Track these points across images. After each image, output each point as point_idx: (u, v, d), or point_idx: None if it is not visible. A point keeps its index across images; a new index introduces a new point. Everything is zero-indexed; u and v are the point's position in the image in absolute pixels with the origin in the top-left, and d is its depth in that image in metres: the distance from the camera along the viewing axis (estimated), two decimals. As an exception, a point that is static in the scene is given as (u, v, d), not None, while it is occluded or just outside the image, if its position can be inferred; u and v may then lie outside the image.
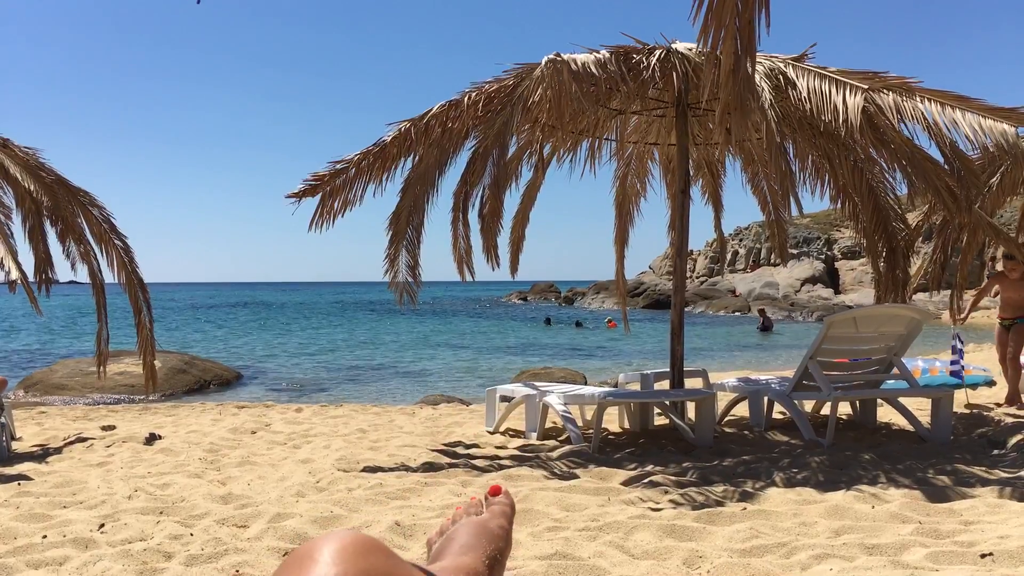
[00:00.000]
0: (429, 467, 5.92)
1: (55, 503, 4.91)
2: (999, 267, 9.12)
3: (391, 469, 5.87)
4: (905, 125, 6.40)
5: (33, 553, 3.83)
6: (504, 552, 1.00)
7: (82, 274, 8.11)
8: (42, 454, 6.82)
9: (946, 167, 6.58)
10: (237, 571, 3.51)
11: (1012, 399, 8.56)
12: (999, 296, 8.89)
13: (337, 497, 4.89)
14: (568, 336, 31.06)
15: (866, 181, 7.39)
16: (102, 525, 4.31)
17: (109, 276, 8.19)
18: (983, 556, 3.54)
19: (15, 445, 7.23)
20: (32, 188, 7.60)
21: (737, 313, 45.53)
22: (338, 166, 6.97)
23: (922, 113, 6.03)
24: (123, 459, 6.49)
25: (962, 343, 8.62)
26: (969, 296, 9.80)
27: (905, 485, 5.07)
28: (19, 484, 5.52)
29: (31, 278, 7.77)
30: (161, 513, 4.58)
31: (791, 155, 7.77)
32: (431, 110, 6.81)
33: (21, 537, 4.12)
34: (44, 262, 7.82)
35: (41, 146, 8.00)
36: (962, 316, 9.17)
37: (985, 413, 8.08)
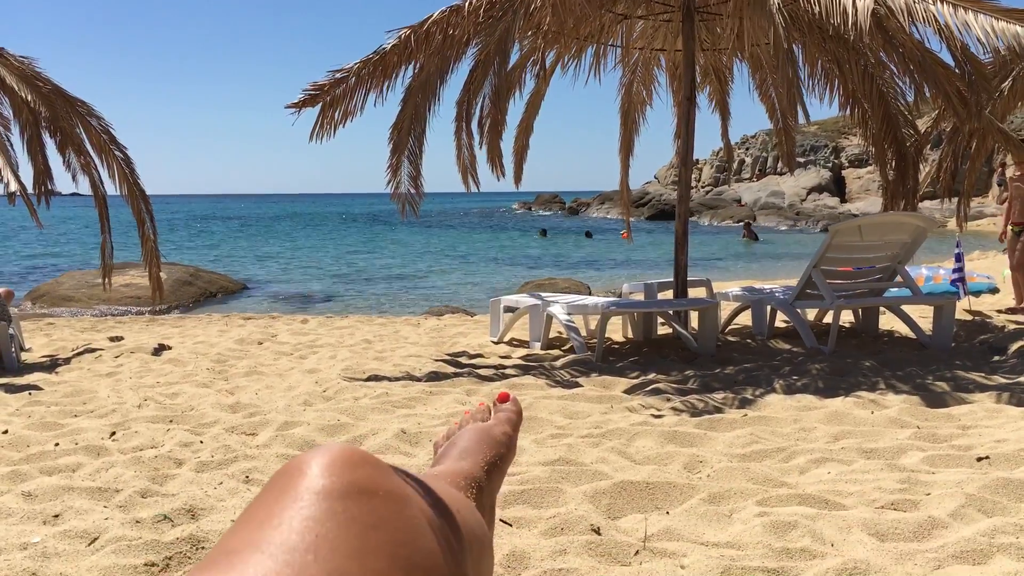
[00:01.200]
0: (434, 376, 5.99)
1: (66, 412, 4.99)
2: (1008, 173, 8.97)
3: (396, 378, 5.94)
4: (916, 28, 6.24)
5: (46, 460, 3.91)
6: (506, 458, 1.00)
7: (83, 186, 8.07)
8: (51, 364, 6.91)
9: (957, 71, 6.46)
10: (247, 477, 3.58)
11: (1018, 307, 8.58)
12: (1008, 201, 8.79)
13: (344, 406, 4.97)
14: (573, 246, 31.05)
15: (876, 87, 7.25)
16: (113, 433, 4.39)
17: (111, 188, 8.15)
18: (979, 459, 3.60)
19: (24, 356, 7.32)
20: (29, 98, 7.50)
21: (742, 223, 45.36)
22: (338, 75, 6.85)
23: (934, 15, 5.87)
24: (132, 369, 6.57)
25: (961, 251, 8.59)
26: (976, 204, 9.69)
27: (904, 391, 5.13)
28: (30, 394, 5.60)
29: (30, 190, 7.74)
30: (171, 422, 4.66)
31: (800, 60, 7.61)
32: (432, 16, 6.65)
33: (34, 445, 4.21)
34: (43, 174, 7.77)
35: (36, 57, 7.87)
36: (1001, 231, 9.00)
37: (987, 320, 8.11)
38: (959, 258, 8.57)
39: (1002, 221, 9.00)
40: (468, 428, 1.01)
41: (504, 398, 1.08)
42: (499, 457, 0.97)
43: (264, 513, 0.56)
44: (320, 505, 0.55)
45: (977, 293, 8.84)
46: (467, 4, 6.57)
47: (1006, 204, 8.90)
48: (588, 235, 35.43)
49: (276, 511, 0.55)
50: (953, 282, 8.66)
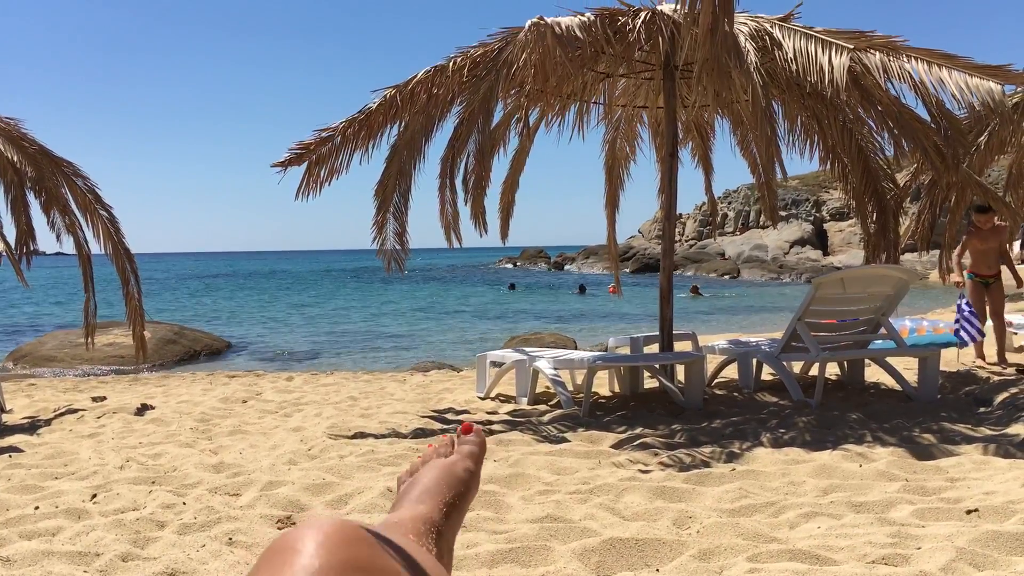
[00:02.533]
0: (420, 433, 5.95)
1: (47, 474, 4.91)
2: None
3: (382, 436, 5.89)
4: (892, 84, 6.39)
5: (26, 524, 3.84)
6: (466, 496, 1.00)
7: (68, 245, 8.06)
8: (32, 426, 6.82)
9: (933, 126, 6.58)
10: (230, 539, 3.52)
11: (1001, 357, 8.63)
12: (971, 251, 8.87)
13: (329, 464, 4.91)
14: (559, 302, 31.11)
15: (855, 141, 7.39)
16: (94, 495, 4.33)
17: (95, 247, 8.14)
18: (969, 512, 3.58)
19: (5, 417, 7.23)
20: (15, 159, 7.53)
21: (727, 276, 45.65)
22: (324, 134, 6.92)
23: (908, 72, 6.01)
24: (114, 430, 6.49)
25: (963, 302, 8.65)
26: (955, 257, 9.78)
27: (892, 443, 5.13)
28: (10, 456, 5.52)
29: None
30: (153, 483, 4.59)
31: (779, 116, 7.75)
32: (416, 76, 6.75)
33: (13, 508, 4.13)
34: (26, 234, 7.76)
35: (22, 118, 7.92)
36: (957, 280, 9.09)
37: (971, 372, 8.14)
38: (960, 310, 8.61)
39: (957, 269, 9.02)
40: (430, 465, 1.00)
41: (467, 429, 1.07)
42: (459, 496, 0.97)
43: None
44: None
45: (962, 345, 8.88)
46: (451, 64, 6.67)
47: (959, 252, 8.94)
48: (582, 289, 35.19)
49: None
50: (956, 332, 8.71)
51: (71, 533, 3.67)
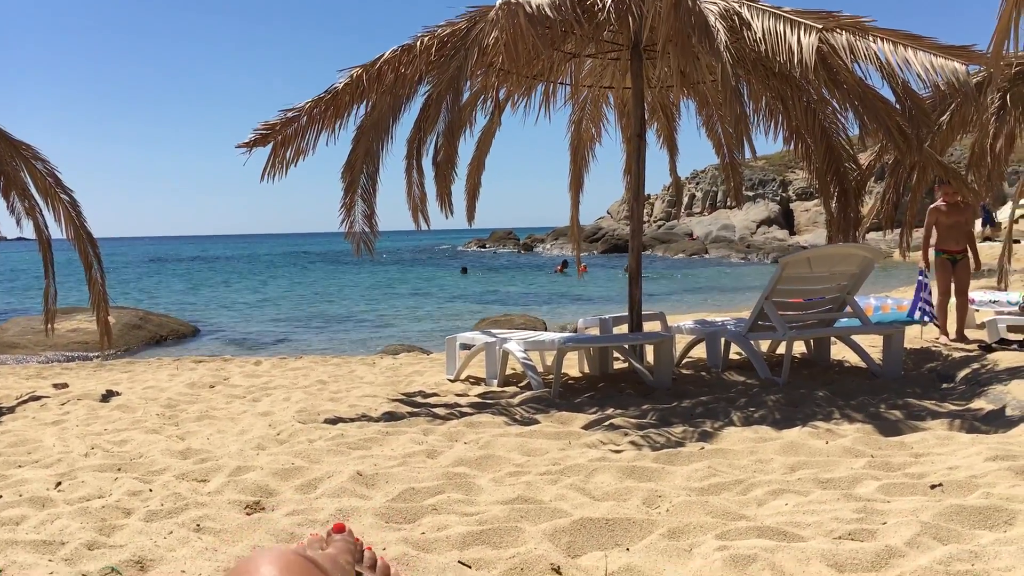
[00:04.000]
0: (390, 416, 5.93)
1: (9, 462, 4.83)
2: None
3: (352, 419, 5.86)
4: (858, 65, 6.42)
5: (-12, 514, 3.77)
6: None
7: (28, 230, 7.91)
8: (-5, 414, 6.71)
9: (897, 107, 6.64)
10: (198, 525, 3.49)
11: (960, 334, 8.77)
12: (937, 228, 8.99)
13: (298, 449, 4.88)
14: (526, 282, 31.14)
15: (819, 122, 7.43)
16: (59, 483, 4.26)
17: (56, 231, 8.01)
18: (933, 487, 3.64)
19: (-34, 406, 7.10)
20: (-29, 142, 7.36)
21: (695, 256, 45.94)
22: (289, 114, 6.83)
23: (875, 53, 6.04)
24: (79, 417, 6.40)
25: (925, 280, 8.80)
26: (918, 236, 9.91)
27: (858, 420, 5.19)
28: (-28, 445, 5.42)
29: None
30: (119, 470, 4.54)
31: (745, 97, 7.77)
32: (383, 56, 6.68)
33: (-25, 498, 4.06)
34: (-12, 218, 7.61)
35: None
36: (923, 262, 9.20)
37: (934, 348, 8.26)
38: (922, 287, 8.77)
39: (924, 249, 9.15)
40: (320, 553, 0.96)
41: (339, 529, 1.04)
42: None
43: None
44: None
45: (925, 322, 9.02)
46: (418, 43, 6.61)
47: (925, 230, 9.07)
48: (564, 267, 34.67)
49: None
50: (915, 310, 8.85)
51: (35, 522, 3.61)
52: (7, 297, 28.37)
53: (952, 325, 8.96)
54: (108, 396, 7.27)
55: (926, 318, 8.87)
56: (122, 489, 4.07)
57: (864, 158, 9.08)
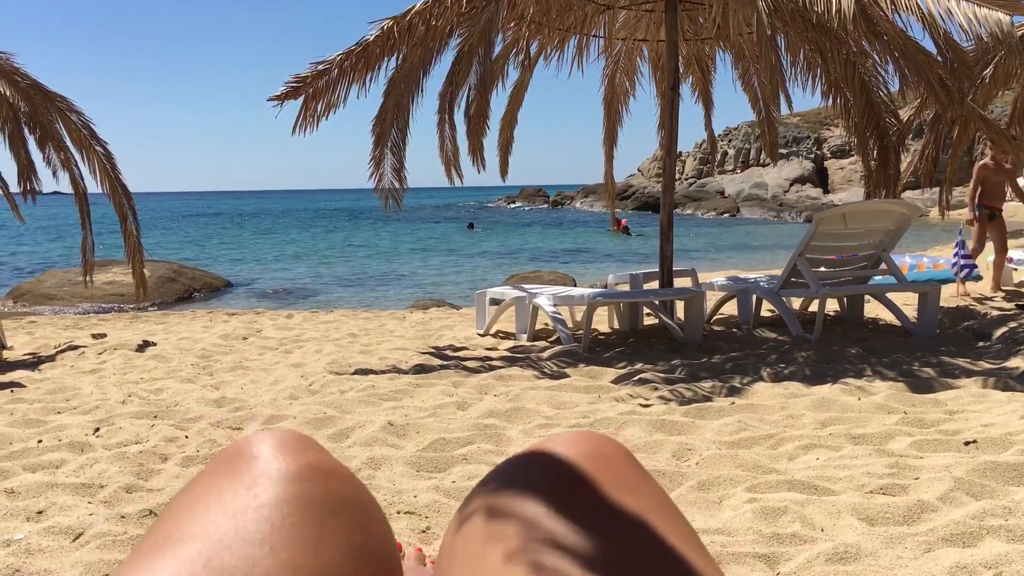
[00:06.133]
0: (420, 369, 5.97)
1: (49, 409, 4.93)
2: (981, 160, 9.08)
3: (383, 372, 5.91)
4: (899, 15, 6.26)
5: (29, 457, 3.86)
6: None
7: (64, 183, 7.98)
8: (34, 362, 6.84)
9: (939, 59, 6.48)
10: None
11: (996, 288, 8.73)
12: (984, 184, 8.91)
13: (330, 399, 4.93)
14: (556, 239, 31.06)
15: (858, 75, 7.27)
16: (97, 429, 4.35)
17: (92, 184, 8.07)
18: (967, 443, 3.61)
19: (5, 354, 7.24)
20: (8, 93, 7.41)
21: (726, 215, 45.52)
22: (320, 67, 6.80)
23: (916, 2, 5.88)
24: (115, 366, 6.51)
25: (963, 239, 8.75)
26: (958, 193, 9.77)
27: (891, 377, 5.14)
28: (12, 391, 5.54)
29: (14, 187, 7.65)
30: (155, 417, 4.62)
31: (782, 49, 7.62)
32: (414, 7, 6.62)
33: (17, 442, 4.15)
34: (27, 169, 7.67)
35: (13, 52, 7.78)
36: (968, 218, 9.13)
37: (971, 307, 8.15)
38: (962, 244, 8.70)
39: (971, 205, 9.11)
40: None
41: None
42: None
43: (214, 498, 0.53)
44: (275, 490, 0.52)
45: (948, 281, 8.95)
46: (449, -6, 6.54)
47: (972, 187, 9.02)
48: (626, 229, 30.21)
49: (228, 498, 0.52)
50: (955, 267, 8.80)
51: (75, 466, 3.69)
52: (45, 248, 28.78)
53: (988, 281, 8.89)
54: (144, 346, 7.38)
55: (962, 273, 8.79)
56: (159, 435, 4.14)
57: (903, 113, 8.91)
